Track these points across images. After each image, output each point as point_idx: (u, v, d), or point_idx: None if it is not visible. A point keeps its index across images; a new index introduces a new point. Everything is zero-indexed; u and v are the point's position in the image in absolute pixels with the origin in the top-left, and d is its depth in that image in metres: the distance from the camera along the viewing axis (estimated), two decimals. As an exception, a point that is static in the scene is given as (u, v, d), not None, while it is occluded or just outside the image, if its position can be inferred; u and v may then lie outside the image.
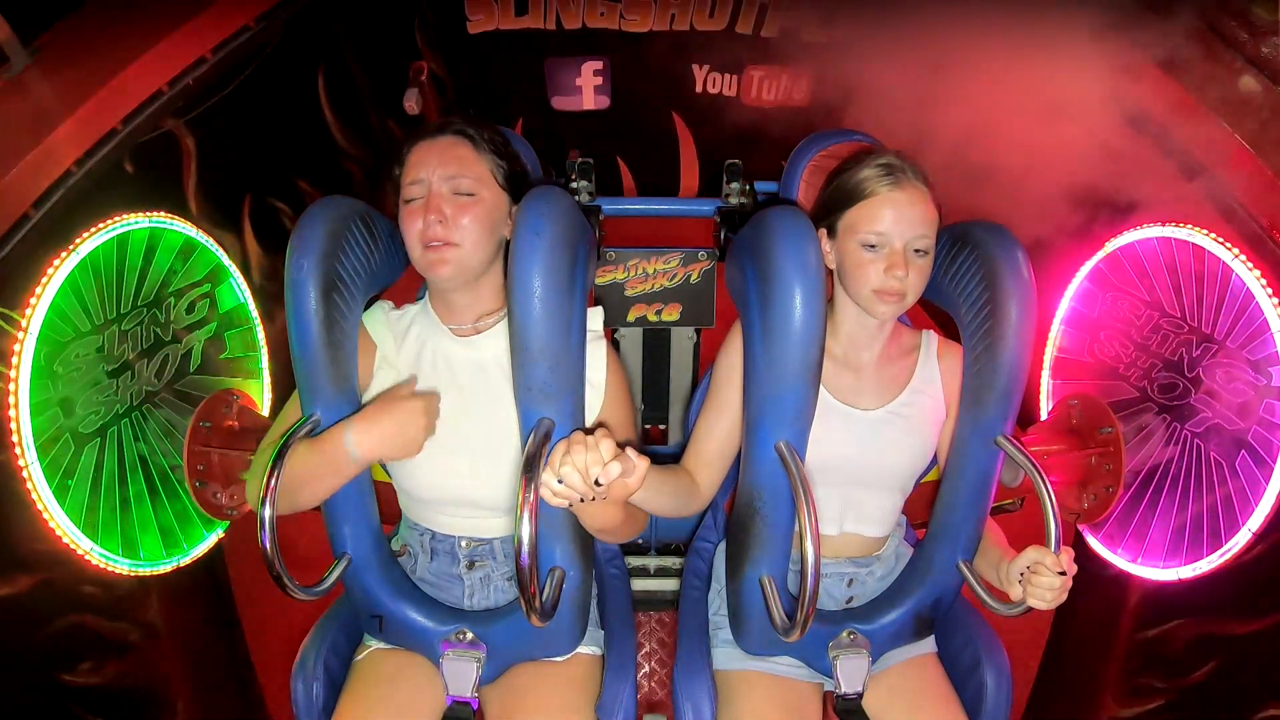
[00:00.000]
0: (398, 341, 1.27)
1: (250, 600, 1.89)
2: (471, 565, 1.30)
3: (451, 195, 1.18)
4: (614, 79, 2.99)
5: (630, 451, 0.97)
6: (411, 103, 2.54)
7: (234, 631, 1.88)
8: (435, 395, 1.18)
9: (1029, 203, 1.46)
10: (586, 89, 3.02)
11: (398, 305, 1.33)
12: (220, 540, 1.46)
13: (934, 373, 1.32)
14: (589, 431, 0.98)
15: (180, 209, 1.55)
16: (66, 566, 1.27)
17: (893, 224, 1.18)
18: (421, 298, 1.33)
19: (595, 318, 1.24)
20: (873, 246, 1.19)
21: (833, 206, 1.25)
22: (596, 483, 0.94)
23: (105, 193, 1.39)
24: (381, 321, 1.28)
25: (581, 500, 0.97)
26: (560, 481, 0.95)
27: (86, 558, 1.16)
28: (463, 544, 1.29)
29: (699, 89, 3.02)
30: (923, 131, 1.55)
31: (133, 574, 1.25)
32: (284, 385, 1.64)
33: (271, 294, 1.81)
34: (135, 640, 1.47)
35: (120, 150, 1.43)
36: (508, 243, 1.20)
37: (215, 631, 1.81)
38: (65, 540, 1.13)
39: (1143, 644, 1.50)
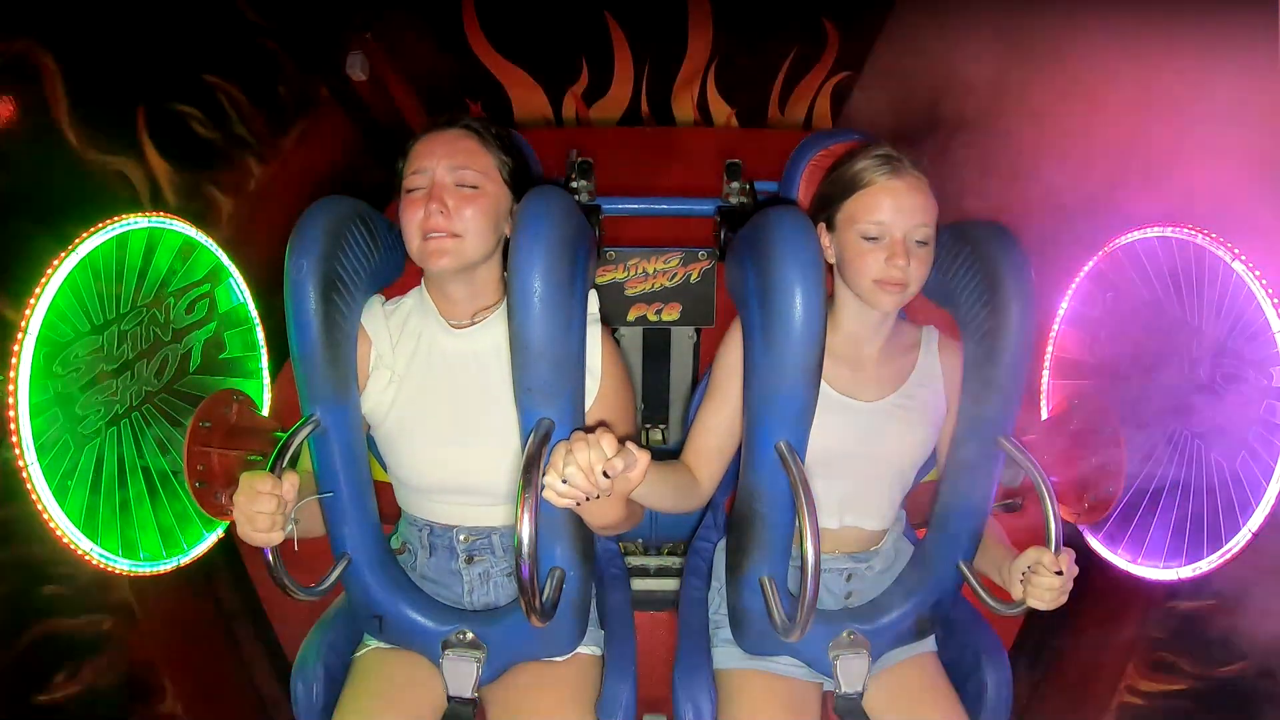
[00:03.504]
0: (393, 338, 1.27)
1: (274, 593, 1.87)
2: (470, 559, 1.31)
3: (455, 187, 1.18)
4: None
5: (631, 445, 0.97)
6: (356, 69, 2.20)
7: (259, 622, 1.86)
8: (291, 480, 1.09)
9: (1031, 201, 1.46)
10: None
11: (390, 297, 1.33)
12: (221, 539, 1.46)
13: (935, 368, 1.32)
14: (589, 430, 0.98)
15: (56, 145, 1.30)
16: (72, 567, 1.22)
17: (892, 213, 1.18)
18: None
19: (592, 301, 1.23)
20: (873, 238, 1.19)
21: (831, 199, 1.25)
22: (605, 475, 0.94)
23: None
24: (377, 318, 1.28)
25: (587, 499, 0.97)
26: (564, 481, 0.95)
27: (86, 558, 1.16)
28: (461, 537, 1.30)
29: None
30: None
31: (132, 574, 1.25)
32: (284, 385, 1.63)
33: (195, 212, 1.51)
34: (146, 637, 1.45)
35: None
36: (507, 240, 1.20)
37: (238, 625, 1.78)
38: (65, 540, 1.13)
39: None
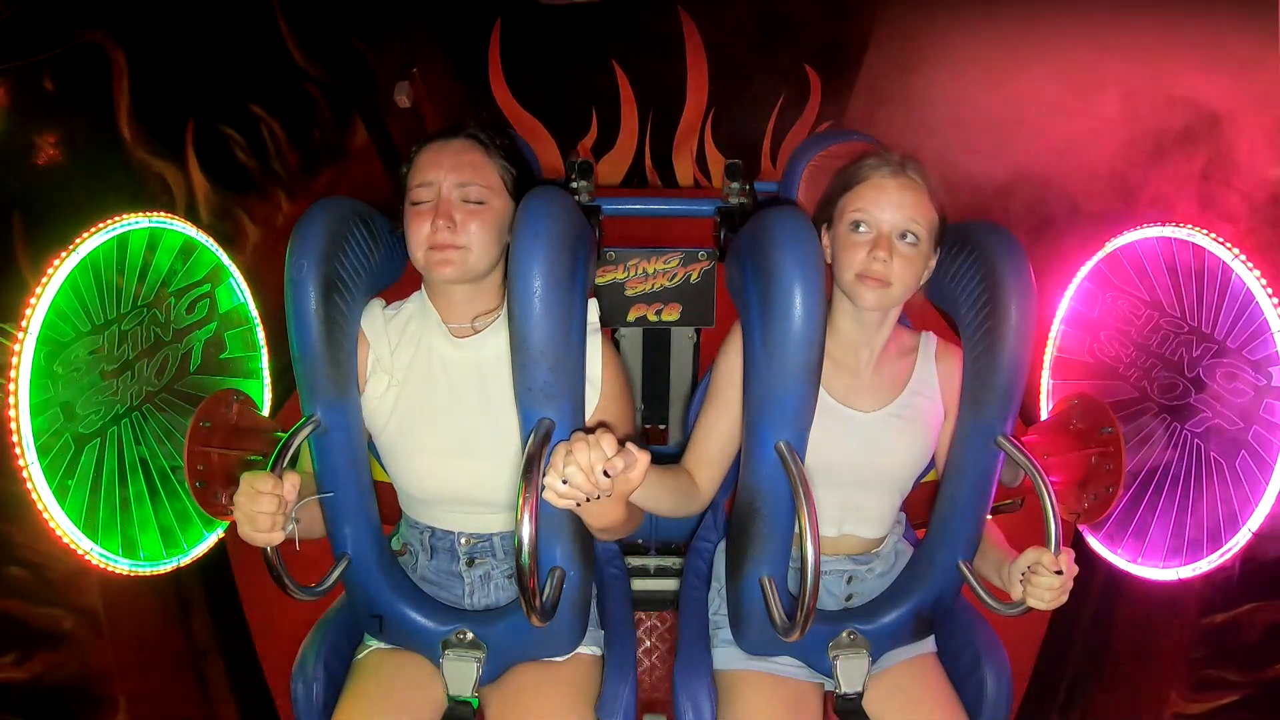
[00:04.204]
0: (392, 344, 1.27)
1: (256, 600, 1.87)
2: (471, 562, 1.31)
3: (461, 202, 1.18)
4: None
5: (631, 446, 0.97)
6: (402, 96, 2.38)
7: (239, 631, 1.84)
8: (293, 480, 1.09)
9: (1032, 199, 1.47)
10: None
11: (391, 302, 1.33)
12: (221, 539, 1.46)
13: (932, 375, 1.32)
14: (589, 431, 0.98)
15: (109, 132, 1.37)
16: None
17: (880, 206, 1.19)
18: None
19: (591, 310, 1.23)
20: (859, 226, 1.20)
21: (831, 196, 1.26)
22: (605, 474, 0.94)
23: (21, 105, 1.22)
24: (376, 322, 1.27)
25: (587, 499, 0.97)
26: (565, 482, 0.95)
27: (87, 558, 1.16)
28: (462, 541, 1.30)
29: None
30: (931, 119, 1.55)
31: (133, 574, 1.25)
32: (284, 385, 1.62)
33: (223, 233, 1.59)
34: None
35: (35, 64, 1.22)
36: (509, 246, 1.20)
37: (220, 631, 1.76)
38: (65, 540, 1.13)
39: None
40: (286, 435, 1.14)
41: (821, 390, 1.20)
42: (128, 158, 1.40)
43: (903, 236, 1.19)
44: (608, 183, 3.09)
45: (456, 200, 1.18)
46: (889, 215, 1.18)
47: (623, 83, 2.91)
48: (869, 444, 1.28)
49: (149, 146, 1.44)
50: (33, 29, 1.24)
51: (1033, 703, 1.78)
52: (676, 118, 3.03)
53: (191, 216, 1.49)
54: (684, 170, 3.14)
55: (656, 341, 1.98)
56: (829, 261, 1.26)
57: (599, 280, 1.81)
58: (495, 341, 1.24)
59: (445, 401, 1.25)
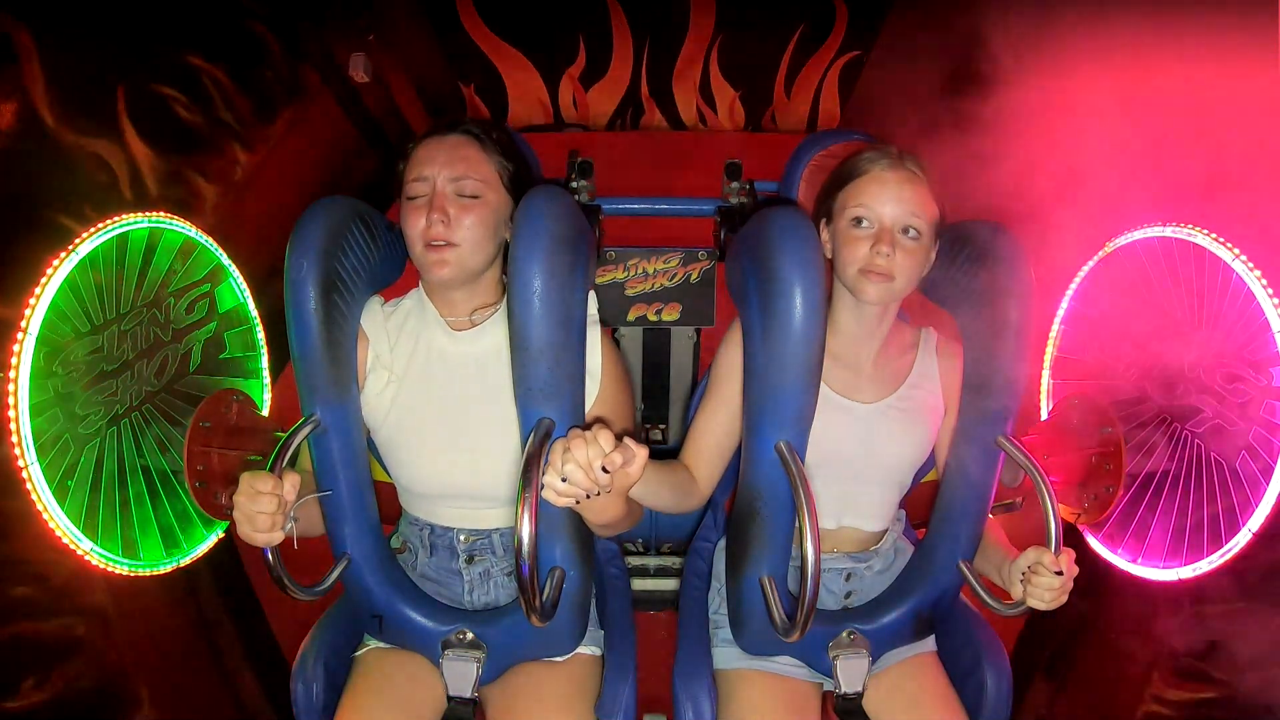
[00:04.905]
0: (391, 340, 1.27)
1: (267, 583, 1.85)
2: (471, 559, 1.31)
3: (456, 196, 1.18)
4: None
5: (629, 441, 0.97)
6: (359, 70, 2.13)
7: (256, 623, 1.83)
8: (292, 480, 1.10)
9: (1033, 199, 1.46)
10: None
11: (390, 298, 1.33)
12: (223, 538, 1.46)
13: (932, 369, 1.32)
14: (586, 428, 0.99)
15: (31, 121, 1.24)
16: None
17: (882, 201, 1.19)
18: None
19: (590, 302, 1.23)
20: (861, 221, 1.20)
21: (831, 191, 1.27)
22: (604, 470, 0.94)
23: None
24: (376, 319, 1.28)
25: (587, 496, 0.97)
26: (564, 480, 0.95)
27: (87, 559, 1.16)
28: (461, 537, 1.30)
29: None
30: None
31: (134, 574, 1.25)
32: (284, 385, 1.62)
33: (177, 200, 1.46)
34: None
35: None
36: (508, 244, 1.20)
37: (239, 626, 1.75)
38: (65, 540, 1.13)
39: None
40: (286, 435, 1.14)
41: (822, 384, 1.20)
42: (56, 144, 1.29)
43: (905, 231, 1.19)
44: (599, 112, 2.74)
45: (451, 194, 1.18)
46: (890, 209, 1.19)
47: (614, 9, 2.61)
48: (869, 436, 1.28)
49: (77, 126, 1.31)
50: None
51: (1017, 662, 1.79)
52: (677, 47, 2.69)
53: (137, 190, 1.40)
54: (686, 102, 2.79)
55: (656, 341, 1.98)
56: (829, 257, 1.26)
57: (599, 280, 1.81)
58: (494, 334, 1.25)
59: (444, 395, 1.25)
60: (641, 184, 2.05)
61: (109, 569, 1.19)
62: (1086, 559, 1.33)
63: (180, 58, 1.61)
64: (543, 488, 0.97)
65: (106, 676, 1.36)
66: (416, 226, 1.18)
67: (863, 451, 1.28)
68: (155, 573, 1.28)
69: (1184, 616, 1.43)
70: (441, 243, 1.17)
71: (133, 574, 1.24)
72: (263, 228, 1.34)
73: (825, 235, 1.26)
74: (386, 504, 1.34)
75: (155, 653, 1.45)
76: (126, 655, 1.37)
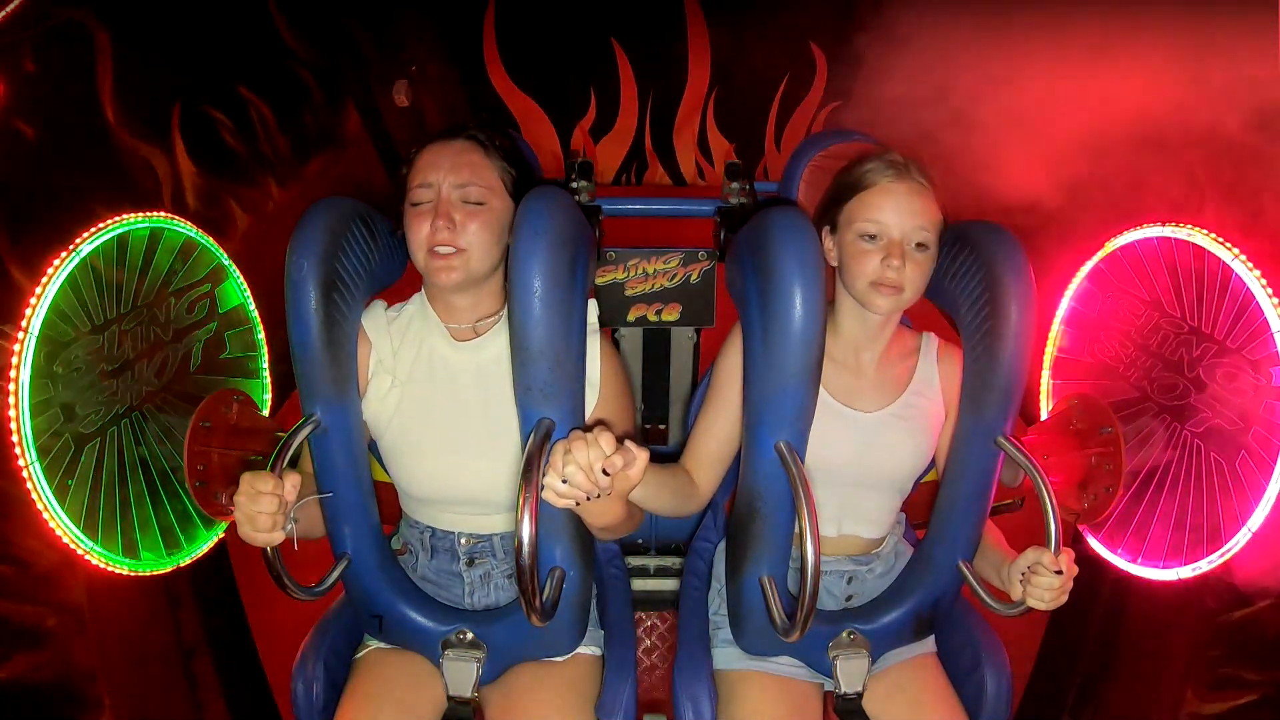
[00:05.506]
0: (394, 345, 1.27)
1: (256, 599, 1.86)
2: (471, 562, 1.31)
3: (461, 203, 1.18)
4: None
5: (629, 443, 0.97)
6: (401, 95, 2.31)
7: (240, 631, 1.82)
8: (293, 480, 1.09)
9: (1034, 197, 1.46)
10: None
11: (393, 303, 1.33)
12: (222, 539, 1.46)
13: (933, 375, 1.32)
14: (587, 429, 0.99)
15: (93, 115, 1.32)
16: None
17: (891, 214, 1.19)
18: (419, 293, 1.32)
19: (590, 311, 1.23)
20: (871, 236, 1.20)
21: (835, 200, 1.26)
22: (604, 472, 0.94)
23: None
24: (379, 323, 1.28)
25: (587, 498, 0.97)
26: (564, 481, 0.95)
27: (88, 558, 1.16)
28: (462, 541, 1.30)
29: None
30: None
31: (134, 574, 1.25)
32: (284, 385, 1.62)
33: (211, 220, 1.53)
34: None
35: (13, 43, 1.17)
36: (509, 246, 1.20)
37: (222, 631, 1.74)
38: (66, 541, 1.13)
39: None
40: (286, 435, 1.14)
41: (822, 390, 1.20)
42: (112, 141, 1.36)
43: (915, 244, 1.19)
44: (607, 166, 2.99)
45: (456, 201, 1.18)
46: (900, 223, 1.19)
47: (622, 62, 2.86)
48: (870, 444, 1.28)
49: (134, 129, 1.39)
50: (11, 6, 1.20)
51: (1042, 701, 1.78)
52: (678, 99, 2.96)
53: (178, 203, 1.45)
54: (686, 156, 3.07)
55: (656, 341, 1.97)
56: (834, 265, 1.26)
57: (599, 280, 1.81)
58: (496, 344, 1.25)
59: (447, 403, 1.25)
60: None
61: (109, 569, 1.19)
62: (1086, 559, 1.33)
63: (234, 87, 1.71)
64: (543, 488, 0.97)
65: (69, 674, 1.35)
66: (421, 232, 1.17)
67: (863, 460, 1.28)
68: (155, 572, 1.28)
69: (1203, 625, 1.42)
70: (448, 249, 1.17)
71: (132, 574, 1.24)
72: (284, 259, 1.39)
73: (830, 244, 1.26)
74: (387, 504, 1.34)
75: (125, 661, 1.43)
76: (95, 658, 1.36)
